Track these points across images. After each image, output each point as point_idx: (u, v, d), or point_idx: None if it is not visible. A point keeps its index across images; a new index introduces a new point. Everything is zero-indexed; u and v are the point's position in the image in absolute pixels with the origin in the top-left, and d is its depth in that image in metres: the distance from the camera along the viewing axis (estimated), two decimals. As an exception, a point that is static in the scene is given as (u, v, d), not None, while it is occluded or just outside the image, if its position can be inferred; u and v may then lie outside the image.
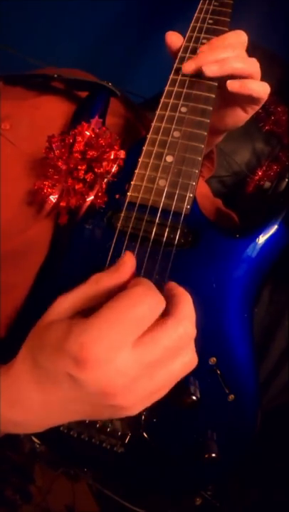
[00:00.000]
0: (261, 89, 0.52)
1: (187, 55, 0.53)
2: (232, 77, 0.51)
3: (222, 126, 0.59)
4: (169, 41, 0.55)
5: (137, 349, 0.33)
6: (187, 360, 0.36)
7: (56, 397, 0.35)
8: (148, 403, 0.35)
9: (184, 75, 0.52)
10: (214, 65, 0.50)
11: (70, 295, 0.37)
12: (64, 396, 0.34)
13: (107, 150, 0.48)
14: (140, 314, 0.33)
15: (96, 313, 0.33)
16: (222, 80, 0.51)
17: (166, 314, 0.35)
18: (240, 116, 0.58)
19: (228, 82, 0.50)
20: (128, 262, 0.38)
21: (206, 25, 0.55)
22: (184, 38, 0.55)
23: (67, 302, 0.37)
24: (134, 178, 0.49)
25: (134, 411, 0.35)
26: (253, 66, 0.51)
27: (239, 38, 0.52)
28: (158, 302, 0.34)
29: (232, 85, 0.50)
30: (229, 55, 0.50)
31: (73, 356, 0.32)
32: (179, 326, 0.34)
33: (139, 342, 0.33)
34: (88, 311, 0.35)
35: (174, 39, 0.55)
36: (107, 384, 0.32)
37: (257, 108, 0.56)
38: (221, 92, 0.52)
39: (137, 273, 0.46)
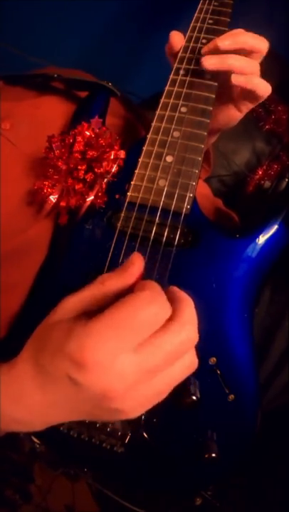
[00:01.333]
0: (264, 87, 0.52)
1: (187, 55, 0.53)
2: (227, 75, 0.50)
3: (215, 125, 0.59)
4: (173, 41, 0.55)
5: (138, 353, 0.32)
6: (188, 364, 0.36)
7: (56, 397, 0.35)
8: (148, 406, 0.35)
9: (183, 75, 0.52)
10: (213, 57, 0.50)
11: (76, 295, 0.37)
12: (64, 396, 0.34)
13: (107, 150, 0.48)
14: (144, 320, 0.33)
15: (99, 316, 0.33)
16: (220, 77, 0.51)
17: (168, 319, 0.34)
18: (233, 115, 0.58)
19: (233, 75, 0.50)
20: (136, 264, 0.37)
21: (206, 25, 0.55)
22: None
23: (72, 302, 0.36)
24: (134, 178, 0.49)
25: (133, 414, 0.34)
26: (254, 66, 0.51)
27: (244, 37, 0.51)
28: (164, 309, 0.34)
29: (237, 79, 0.50)
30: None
31: (73, 358, 0.32)
32: (182, 331, 0.34)
33: (141, 347, 0.32)
34: (94, 312, 0.35)
35: (178, 40, 0.55)
36: (106, 388, 0.32)
37: (251, 106, 0.56)
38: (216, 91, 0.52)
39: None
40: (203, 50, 0.52)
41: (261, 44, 0.51)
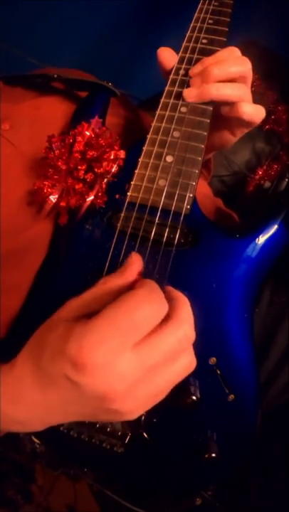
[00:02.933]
0: (254, 113, 0.50)
1: (187, 55, 0.53)
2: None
3: (209, 146, 0.57)
4: (163, 59, 0.53)
5: (136, 353, 0.32)
6: (186, 363, 0.36)
7: (56, 398, 0.35)
8: (148, 407, 0.35)
9: (183, 75, 0.52)
10: (193, 90, 0.49)
11: (79, 297, 0.37)
12: (63, 397, 0.34)
13: (107, 150, 0.48)
14: (141, 318, 0.33)
15: (97, 315, 0.33)
16: (211, 103, 0.50)
17: (165, 318, 0.34)
18: (228, 139, 0.57)
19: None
20: (135, 263, 0.38)
21: (206, 25, 0.55)
22: (181, 44, 0.54)
23: (74, 303, 0.37)
24: (134, 178, 0.49)
25: (133, 415, 0.35)
26: (241, 91, 0.49)
27: (232, 55, 0.50)
28: (160, 306, 0.34)
29: (224, 109, 0.49)
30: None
31: (72, 360, 0.32)
32: (179, 330, 0.34)
33: (139, 346, 0.33)
34: (94, 312, 0.35)
35: (167, 56, 0.53)
36: (105, 389, 0.32)
37: (246, 131, 0.55)
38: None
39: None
40: (191, 71, 0.50)
41: (243, 69, 0.49)
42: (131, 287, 0.36)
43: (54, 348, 0.34)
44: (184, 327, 0.35)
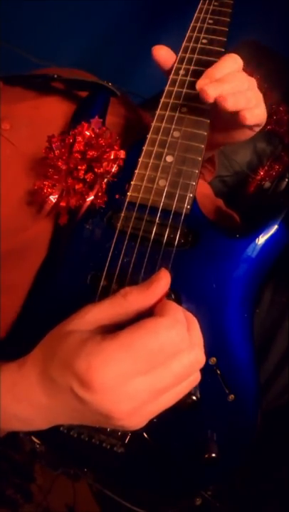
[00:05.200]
0: (256, 119, 0.48)
1: (187, 55, 0.53)
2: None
3: (214, 142, 0.57)
4: (159, 58, 0.52)
5: (148, 377, 0.32)
6: (192, 380, 0.36)
7: (60, 404, 0.35)
8: (150, 418, 0.35)
9: (183, 75, 0.52)
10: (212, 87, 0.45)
11: (97, 307, 0.36)
12: (68, 405, 0.34)
13: (107, 150, 0.48)
14: (157, 349, 0.32)
15: (114, 336, 0.32)
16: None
17: None
18: (236, 137, 0.56)
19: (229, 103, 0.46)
20: (162, 281, 0.36)
21: (206, 25, 0.55)
22: (181, 44, 0.54)
23: (91, 314, 0.36)
24: (134, 178, 0.49)
25: (136, 428, 0.35)
26: (254, 100, 0.47)
27: (235, 64, 0.48)
28: (183, 339, 0.33)
29: (241, 119, 0.47)
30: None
31: (79, 375, 0.32)
32: (192, 353, 0.34)
33: (152, 369, 0.32)
34: (111, 326, 0.35)
35: (164, 54, 0.52)
36: (111, 409, 0.32)
37: (253, 133, 0.54)
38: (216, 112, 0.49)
39: (137, 273, 0.47)
40: (199, 84, 0.47)
41: (250, 84, 0.48)
42: (153, 306, 0.35)
43: (64, 359, 0.33)
44: (196, 350, 0.34)
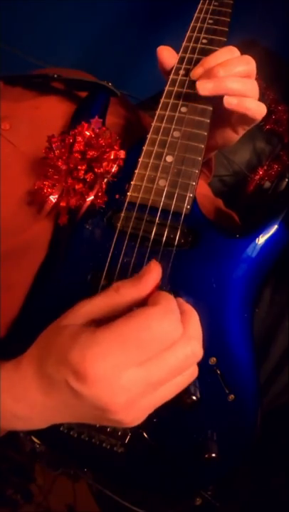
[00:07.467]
0: (257, 110, 0.50)
1: (187, 55, 0.53)
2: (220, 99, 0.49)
3: (211, 144, 0.58)
4: (164, 59, 0.53)
5: (142, 367, 0.32)
6: (189, 373, 0.36)
7: (58, 401, 0.35)
8: (147, 414, 0.35)
9: (183, 75, 0.52)
10: (209, 82, 0.47)
11: (89, 301, 0.36)
12: (65, 402, 0.34)
13: (107, 150, 0.48)
14: (149, 339, 0.32)
15: (107, 326, 0.32)
16: (215, 100, 0.49)
17: None
18: (230, 137, 0.57)
19: (225, 97, 0.48)
20: (153, 273, 0.36)
21: (206, 25, 0.55)
22: (181, 44, 0.54)
23: (84, 308, 0.36)
24: (134, 178, 0.49)
25: (134, 424, 0.35)
26: (250, 86, 0.49)
27: (232, 55, 0.49)
28: (175, 328, 0.33)
29: (229, 101, 0.48)
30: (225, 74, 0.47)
31: (73, 368, 0.32)
32: (187, 346, 0.34)
33: (146, 360, 0.32)
34: (104, 321, 0.34)
35: (167, 56, 0.53)
36: (107, 401, 0.32)
37: (248, 128, 0.55)
38: (212, 111, 0.51)
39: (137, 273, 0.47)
40: (194, 73, 0.50)
41: (248, 67, 0.49)
42: (145, 298, 0.35)
43: (59, 353, 0.33)
44: (193, 343, 0.34)
